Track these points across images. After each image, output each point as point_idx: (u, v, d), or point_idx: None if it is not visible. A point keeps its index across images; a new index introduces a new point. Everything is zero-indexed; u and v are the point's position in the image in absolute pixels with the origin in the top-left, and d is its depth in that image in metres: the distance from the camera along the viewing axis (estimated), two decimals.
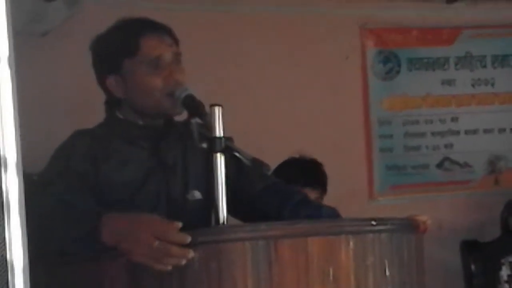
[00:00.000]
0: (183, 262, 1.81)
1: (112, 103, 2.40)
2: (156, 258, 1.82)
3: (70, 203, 2.06)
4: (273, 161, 3.44)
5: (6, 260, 1.14)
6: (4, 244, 1.14)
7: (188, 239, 1.82)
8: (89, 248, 1.92)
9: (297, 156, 3.58)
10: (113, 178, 2.24)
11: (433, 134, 4.78)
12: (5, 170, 1.14)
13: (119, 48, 2.34)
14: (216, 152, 1.99)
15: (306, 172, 3.40)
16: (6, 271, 1.14)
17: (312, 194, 3.20)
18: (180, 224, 1.85)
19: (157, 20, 2.39)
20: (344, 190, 4.32)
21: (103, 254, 1.88)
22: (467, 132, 4.82)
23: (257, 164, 2.03)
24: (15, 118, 1.18)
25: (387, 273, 1.96)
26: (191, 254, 1.81)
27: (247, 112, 4.16)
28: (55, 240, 1.98)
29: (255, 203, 2.41)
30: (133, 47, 2.31)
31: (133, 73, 2.31)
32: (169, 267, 1.82)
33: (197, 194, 2.32)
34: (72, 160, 2.23)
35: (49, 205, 2.04)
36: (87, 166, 2.22)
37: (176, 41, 2.38)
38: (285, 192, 2.46)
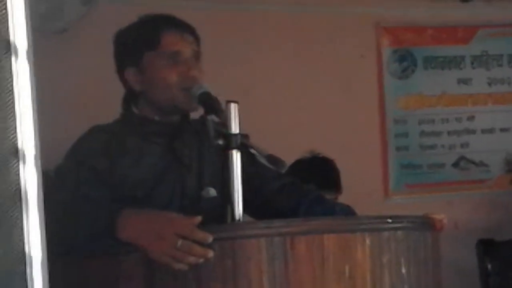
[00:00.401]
0: (201, 261, 1.82)
1: (129, 99, 2.41)
2: (176, 257, 1.83)
3: (86, 196, 2.07)
4: (288, 159, 3.43)
5: (24, 254, 1.15)
6: (23, 238, 1.15)
7: (210, 238, 1.82)
8: (105, 243, 1.92)
9: (308, 155, 3.57)
10: (128, 174, 2.25)
11: (449, 133, 4.76)
12: (24, 164, 1.14)
13: (140, 41, 2.37)
14: (232, 149, 1.99)
15: (319, 174, 3.38)
16: (25, 264, 1.15)
17: (327, 196, 3.19)
18: (199, 218, 1.86)
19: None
20: (359, 189, 4.31)
21: (118, 249, 1.88)
22: (483, 131, 4.80)
23: (273, 161, 2.03)
24: (33, 112, 1.18)
25: (403, 271, 1.95)
26: (211, 254, 1.82)
27: (262, 110, 4.15)
28: (70, 235, 1.98)
29: (271, 202, 2.41)
30: (154, 41, 2.34)
31: (151, 66, 2.34)
32: (187, 267, 1.82)
33: (212, 192, 2.32)
34: (88, 155, 2.24)
35: (65, 197, 2.05)
36: (103, 162, 2.23)
37: (197, 40, 2.40)
38: (300, 191, 2.46)
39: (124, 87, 2.42)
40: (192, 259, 1.82)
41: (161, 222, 1.90)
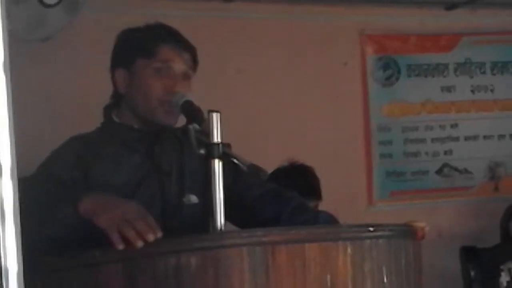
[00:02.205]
0: (151, 238, 1.83)
1: (111, 107, 2.42)
2: (121, 227, 1.85)
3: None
4: (272, 168, 3.45)
5: (0, 266, 1.14)
6: None
7: (159, 233, 1.84)
8: (73, 228, 1.95)
9: (286, 163, 3.57)
10: (105, 181, 2.25)
11: (432, 140, 4.78)
12: (0, 177, 1.14)
13: (137, 46, 2.38)
14: (214, 158, 1.99)
15: (298, 181, 3.37)
16: (1, 277, 1.14)
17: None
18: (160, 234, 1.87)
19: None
20: (343, 196, 4.32)
21: (98, 260, 1.87)
22: (466, 138, 4.82)
23: (255, 170, 2.03)
24: (10, 124, 1.17)
25: (385, 279, 1.95)
26: (159, 234, 1.85)
27: (245, 119, 4.16)
28: (40, 226, 2.00)
29: (253, 209, 2.41)
30: (150, 50, 2.36)
31: (140, 73, 2.35)
32: (138, 242, 1.83)
33: (194, 198, 2.32)
34: (55, 167, 2.24)
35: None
36: (74, 173, 2.23)
37: (194, 62, 2.42)
38: (282, 198, 2.45)
39: (113, 88, 2.44)
40: (134, 233, 1.84)
41: (118, 200, 1.96)
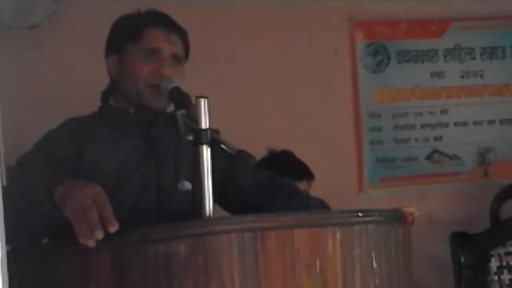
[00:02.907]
0: (99, 235, 1.77)
1: (108, 91, 2.42)
2: (77, 213, 1.79)
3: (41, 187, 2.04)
4: (261, 153, 3.45)
5: None
6: None
7: (116, 226, 1.78)
8: (50, 215, 1.89)
9: (266, 152, 3.56)
10: (100, 163, 2.24)
11: (422, 126, 4.78)
12: None
13: (125, 31, 2.40)
14: (202, 144, 1.98)
15: (287, 167, 3.38)
16: None
17: (301, 186, 3.19)
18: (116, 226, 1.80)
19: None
20: (334, 183, 4.32)
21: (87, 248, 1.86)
22: (456, 124, 4.82)
23: (244, 156, 2.02)
24: None
25: (374, 265, 1.95)
26: (112, 228, 1.77)
27: (235, 105, 4.15)
28: (22, 214, 1.93)
29: (247, 197, 2.42)
30: (138, 33, 2.36)
31: (129, 57, 2.37)
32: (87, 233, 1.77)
33: (187, 185, 2.32)
34: (51, 146, 2.23)
35: (21, 187, 2.02)
36: (68, 151, 2.22)
37: (186, 46, 2.41)
38: (275, 186, 2.46)
39: (109, 76, 2.44)
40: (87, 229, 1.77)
41: (85, 185, 1.87)
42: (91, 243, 1.76)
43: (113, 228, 1.78)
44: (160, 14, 2.44)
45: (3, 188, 1.16)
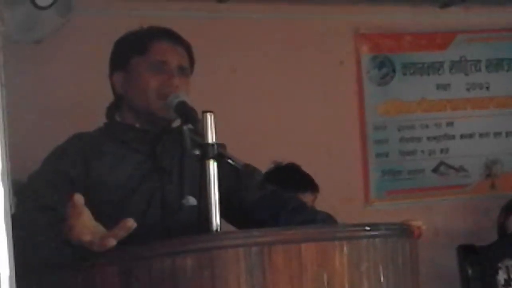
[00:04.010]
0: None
1: (113, 107, 2.43)
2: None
3: (52, 208, 2.05)
4: (267, 167, 3.45)
5: None
6: None
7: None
8: (67, 253, 1.89)
9: (272, 166, 3.56)
10: (105, 179, 2.24)
11: (428, 138, 4.77)
12: None
13: (130, 46, 2.40)
14: (209, 158, 1.98)
15: (292, 180, 3.38)
16: None
17: (306, 199, 3.19)
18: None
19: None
20: (340, 196, 4.32)
21: (93, 261, 1.86)
22: (462, 136, 4.82)
23: (250, 170, 2.02)
24: (1, 127, 1.16)
25: (382, 279, 1.94)
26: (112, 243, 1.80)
27: (240, 118, 4.15)
28: (39, 248, 1.95)
29: (252, 211, 2.41)
30: (143, 47, 2.37)
31: (135, 71, 2.37)
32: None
33: (192, 200, 2.32)
34: (62, 163, 2.24)
35: (33, 211, 2.03)
36: (76, 167, 2.23)
37: (191, 58, 2.42)
38: (281, 200, 2.45)
39: (113, 93, 2.44)
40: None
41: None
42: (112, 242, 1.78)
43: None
44: (163, 28, 2.45)
45: (11, 207, 1.17)
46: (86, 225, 1.85)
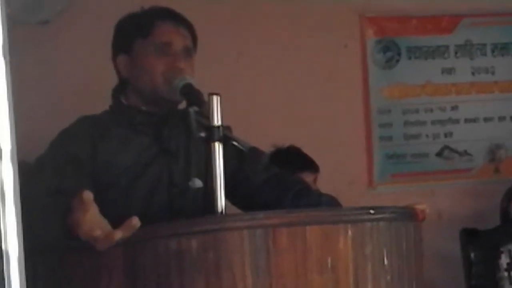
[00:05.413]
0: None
1: (119, 90, 2.43)
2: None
3: (60, 191, 2.05)
4: (269, 151, 3.45)
5: (1, 251, 1.14)
6: (0, 235, 1.14)
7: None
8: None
9: (273, 149, 3.57)
10: (112, 161, 2.25)
11: (433, 122, 4.77)
12: (0, 160, 1.13)
13: (133, 28, 2.39)
14: (214, 141, 1.98)
15: (294, 161, 3.40)
16: (2, 261, 1.14)
17: (306, 178, 3.20)
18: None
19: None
20: (344, 179, 4.33)
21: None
22: (467, 120, 4.81)
23: (255, 153, 2.03)
24: (9, 107, 1.17)
25: (386, 262, 1.96)
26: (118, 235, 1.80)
27: (246, 101, 4.15)
28: (44, 230, 1.95)
29: (258, 193, 2.42)
30: (146, 29, 2.36)
31: (140, 53, 2.36)
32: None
33: (198, 183, 2.32)
34: (70, 144, 2.25)
35: (42, 188, 2.04)
36: (85, 149, 2.23)
37: (193, 37, 2.42)
38: (286, 182, 2.46)
39: (117, 76, 2.44)
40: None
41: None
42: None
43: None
44: (165, 8, 2.44)
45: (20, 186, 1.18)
46: (94, 221, 1.85)
